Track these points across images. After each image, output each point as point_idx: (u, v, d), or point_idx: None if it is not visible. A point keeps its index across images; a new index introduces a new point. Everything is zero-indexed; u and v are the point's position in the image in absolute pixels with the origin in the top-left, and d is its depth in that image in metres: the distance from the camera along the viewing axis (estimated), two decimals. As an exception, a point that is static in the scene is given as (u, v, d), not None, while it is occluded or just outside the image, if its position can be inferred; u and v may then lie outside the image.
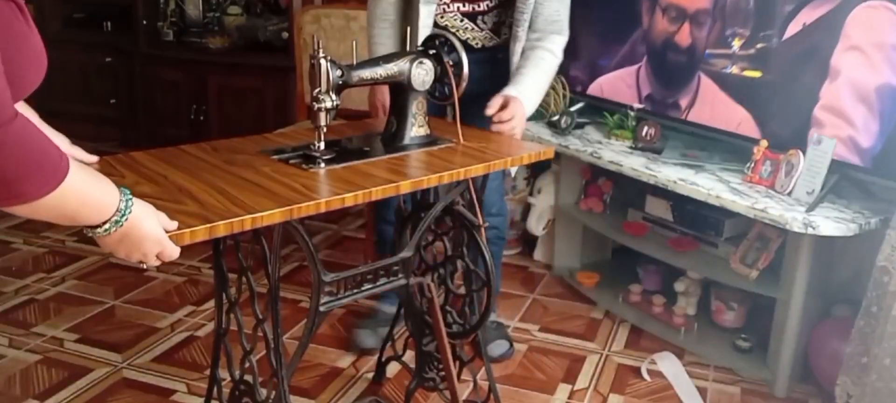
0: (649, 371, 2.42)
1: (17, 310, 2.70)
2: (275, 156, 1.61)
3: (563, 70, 3.10)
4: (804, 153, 2.21)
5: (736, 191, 2.28)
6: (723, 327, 2.58)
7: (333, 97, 1.57)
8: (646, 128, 2.69)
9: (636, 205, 2.79)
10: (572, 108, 2.98)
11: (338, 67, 1.60)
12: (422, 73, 1.74)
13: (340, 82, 1.61)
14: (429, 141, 1.79)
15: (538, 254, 3.23)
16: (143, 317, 2.66)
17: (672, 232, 2.67)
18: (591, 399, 2.29)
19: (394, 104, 1.78)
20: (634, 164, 2.53)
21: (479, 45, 2.06)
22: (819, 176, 2.16)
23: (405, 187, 1.54)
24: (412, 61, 1.73)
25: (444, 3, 2.00)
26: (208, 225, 1.23)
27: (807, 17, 2.28)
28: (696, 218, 2.57)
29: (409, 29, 1.84)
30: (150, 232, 1.15)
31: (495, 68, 2.11)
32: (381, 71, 1.70)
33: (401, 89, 1.75)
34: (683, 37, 2.64)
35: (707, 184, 2.35)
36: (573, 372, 2.42)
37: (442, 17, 2.03)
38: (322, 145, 1.59)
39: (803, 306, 2.25)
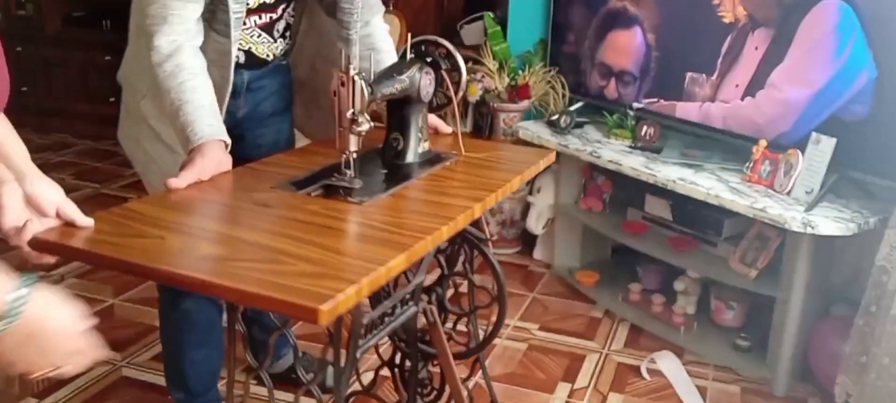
0: (649, 370, 2.42)
1: (16, 309, 2.69)
2: (303, 191, 1.41)
3: (562, 69, 3.11)
4: (803, 152, 2.21)
5: (735, 191, 2.28)
6: (722, 326, 2.58)
7: (368, 118, 1.39)
8: (645, 128, 2.69)
9: (636, 205, 2.79)
10: (571, 108, 2.98)
11: (367, 84, 1.42)
12: (426, 84, 1.60)
13: (369, 100, 1.43)
14: (435, 156, 1.64)
15: (538, 253, 3.23)
16: (142, 316, 2.66)
17: (671, 231, 2.67)
18: (590, 398, 2.29)
19: (397, 119, 1.61)
20: (634, 164, 2.53)
21: (272, 58, 1.78)
22: (818, 175, 2.16)
23: (479, 210, 1.40)
24: (419, 70, 1.58)
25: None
26: (356, 287, 1.04)
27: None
28: (696, 217, 2.57)
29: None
30: (62, 326, 0.85)
31: (285, 78, 1.88)
32: (397, 85, 1.52)
33: (407, 102, 1.58)
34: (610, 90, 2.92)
35: (706, 183, 2.35)
36: (573, 371, 2.42)
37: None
38: (352, 172, 1.42)
39: (802, 305, 2.25)
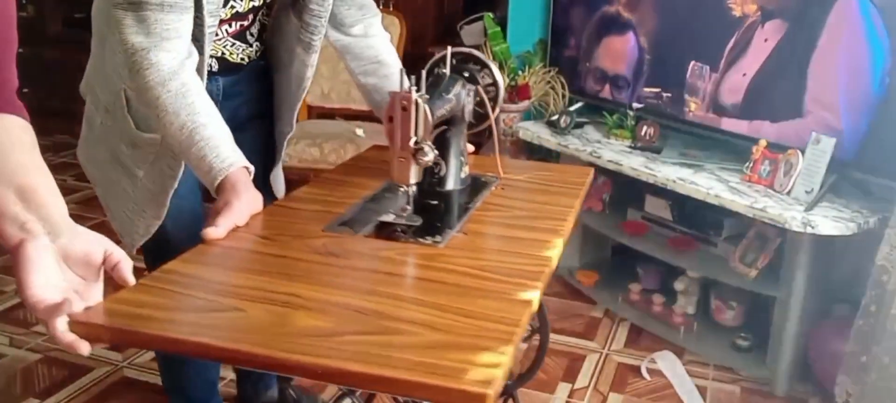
0: (649, 370, 2.42)
1: (17, 309, 2.70)
2: (361, 232, 1.25)
3: (562, 70, 3.12)
4: (803, 152, 2.21)
5: (735, 191, 2.29)
6: (722, 326, 2.58)
7: (432, 145, 1.24)
8: (645, 128, 2.70)
9: (635, 205, 2.79)
10: (571, 108, 2.98)
11: (430, 108, 1.25)
12: (470, 101, 1.44)
13: (432, 126, 1.26)
14: (475, 181, 1.50)
15: (538, 254, 3.23)
16: (143, 317, 2.67)
17: (671, 231, 2.67)
18: (590, 398, 2.29)
19: (436, 142, 1.39)
20: (634, 164, 2.54)
21: (247, 61, 1.61)
22: (818, 175, 2.16)
23: (560, 243, 1.26)
24: (462, 87, 1.42)
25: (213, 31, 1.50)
26: (505, 358, 0.89)
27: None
28: (696, 217, 2.58)
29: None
30: None
31: (263, 80, 1.71)
32: (447, 105, 1.36)
33: (450, 122, 1.42)
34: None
35: (706, 183, 2.35)
36: (573, 371, 2.42)
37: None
38: (411, 208, 1.28)
39: (802, 305, 2.25)
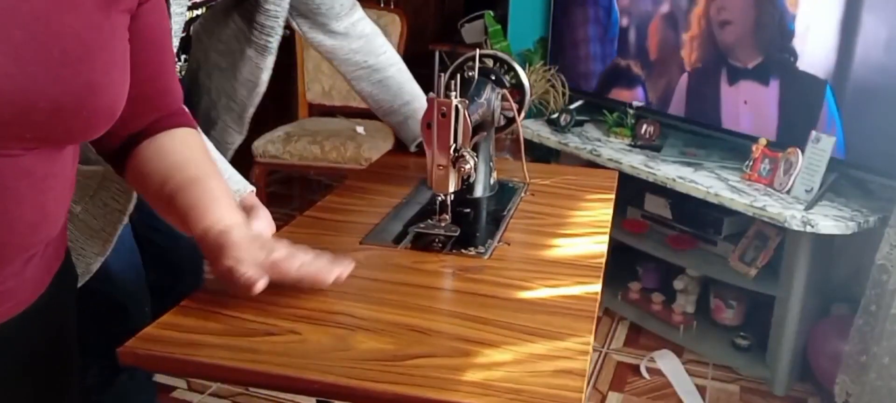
0: (648, 369, 2.42)
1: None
2: (401, 245, 1.20)
3: (562, 68, 3.12)
4: (803, 151, 2.21)
5: (735, 189, 2.29)
6: (722, 325, 2.58)
7: (473, 153, 1.19)
8: (645, 126, 2.70)
9: (635, 203, 2.79)
10: (571, 106, 2.98)
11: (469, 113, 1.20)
12: (499, 105, 1.42)
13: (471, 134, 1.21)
14: (504, 186, 1.47)
15: (538, 252, 3.23)
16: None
17: (671, 229, 2.67)
18: (590, 397, 2.29)
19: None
20: (633, 162, 2.54)
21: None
22: (818, 174, 2.16)
23: (604, 248, 1.23)
24: (492, 91, 1.38)
25: None
26: (584, 379, 0.86)
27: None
28: (695, 215, 2.57)
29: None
30: None
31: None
32: (480, 110, 1.31)
33: (480, 128, 1.35)
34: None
35: (706, 181, 2.35)
36: (572, 370, 2.42)
37: None
38: (449, 217, 1.24)
39: (802, 304, 2.25)
